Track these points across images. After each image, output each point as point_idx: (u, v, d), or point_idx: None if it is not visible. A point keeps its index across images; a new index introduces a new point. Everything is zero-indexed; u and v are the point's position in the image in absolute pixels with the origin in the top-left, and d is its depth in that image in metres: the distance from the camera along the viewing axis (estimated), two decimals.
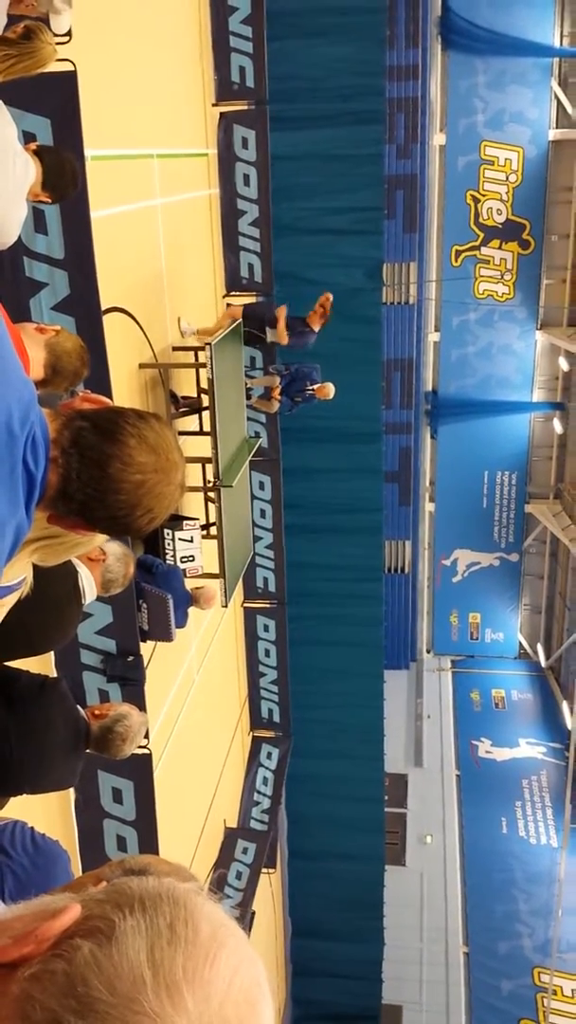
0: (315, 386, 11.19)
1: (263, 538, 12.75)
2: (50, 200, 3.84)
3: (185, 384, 9.42)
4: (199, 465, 9.06)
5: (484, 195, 19.60)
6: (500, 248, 19.90)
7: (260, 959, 0.85)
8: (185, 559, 8.59)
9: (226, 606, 9.75)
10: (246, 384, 10.93)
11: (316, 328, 10.47)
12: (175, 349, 9.38)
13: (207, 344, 8.65)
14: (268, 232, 11.60)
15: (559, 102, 19.14)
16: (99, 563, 3.58)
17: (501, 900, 17.50)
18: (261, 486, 12.58)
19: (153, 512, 1.77)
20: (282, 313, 10.43)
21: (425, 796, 19.94)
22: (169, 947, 0.77)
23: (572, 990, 16.11)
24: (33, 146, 3.78)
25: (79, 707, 3.84)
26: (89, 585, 3.52)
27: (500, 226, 19.79)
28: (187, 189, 10.24)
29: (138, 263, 8.57)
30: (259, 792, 13.37)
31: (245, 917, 11.35)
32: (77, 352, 3.21)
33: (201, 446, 9.12)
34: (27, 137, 5.15)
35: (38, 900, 0.94)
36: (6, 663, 3.59)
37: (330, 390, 11.10)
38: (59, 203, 4.05)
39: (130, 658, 6.58)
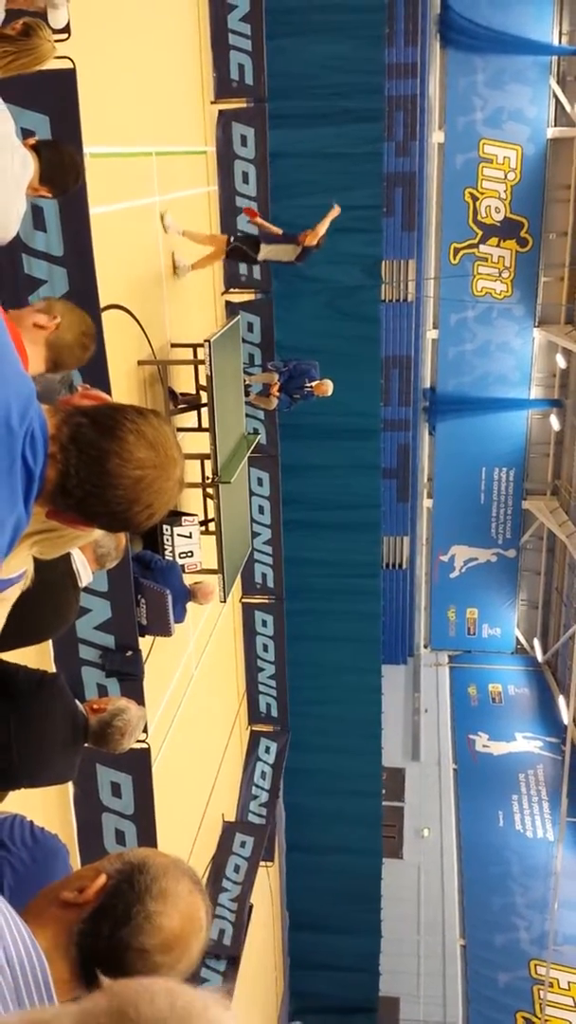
0: (313, 383, 11.23)
1: (261, 534, 12.78)
2: (50, 194, 3.84)
3: (184, 381, 9.45)
4: (198, 461, 9.10)
5: (482, 193, 19.60)
6: (498, 246, 19.90)
7: None
8: (184, 555, 8.62)
9: (224, 601, 9.78)
10: (245, 381, 10.95)
11: (314, 246, 10.04)
12: (174, 346, 9.41)
13: (206, 341, 8.69)
14: None
15: (558, 100, 19.12)
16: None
17: (498, 893, 17.54)
18: (260, 482, 12.61)
19: (152, 508, 1.78)
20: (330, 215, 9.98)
21: (422, 790, 19.98)
22: None
23: (568, 982, 16.16)
24: (32, 141, 3.79)
25: (77, 702, 3.86)
26: (83, 566, 3.51)
27: (498, 224, 19.78)
28: (186, 186, 10.26)
29: (137, 260, 8.59)
30: (257, 786, 13.41)
31: (243, 910, 11.40)
32: (79, 342, 3.14)
33: (200, 442, 9.15)
34: (26, 134, 5.17)
35: (31, 1014, 0.86)
36: (4, 658, 3.61)
37: (328, 387, 11.14)
38: (60, 197, 4.03)
39: (129, 653, 6.61)
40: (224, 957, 10.82)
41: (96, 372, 5.62)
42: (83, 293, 5.71)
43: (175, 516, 8.65)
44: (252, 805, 13.21)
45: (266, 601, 13.27)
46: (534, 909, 17.04)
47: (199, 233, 9.85)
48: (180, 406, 9.28)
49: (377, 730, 14.89)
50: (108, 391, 5.59)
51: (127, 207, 8.24)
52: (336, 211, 10.00)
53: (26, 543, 1.98)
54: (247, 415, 11.14)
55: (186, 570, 8.53)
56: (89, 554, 3.53)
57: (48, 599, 3.34)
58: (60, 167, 3.72)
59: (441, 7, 18.34)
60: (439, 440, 21.40)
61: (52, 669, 6.15)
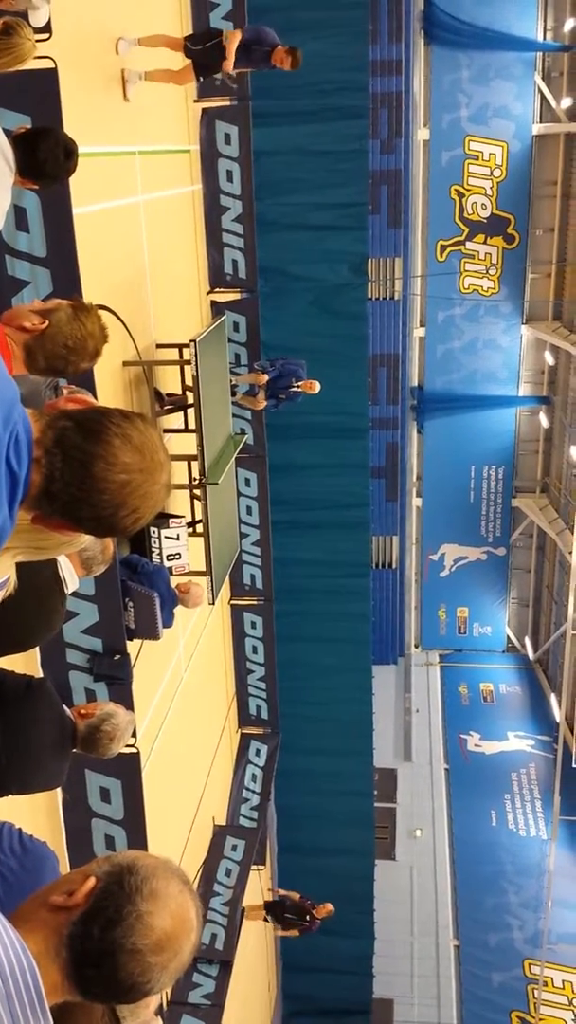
0: (300, 383, 11.20)
1: (249, 535, 12.74)
2: (36, 186, 3.78)
3: (169, 381, 9.40)
4: (184, 463, 9.06)
5: (468, 190, 19.63)
6: (485, 243, 19.94)
7: None
8: (171, 557, 8.58)
9: (213, 603, 9.74)
10: (231, 381, 10.91)
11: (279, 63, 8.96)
12: (159, 347, 9.36)
13: (192, 341, 8.64)
14: (252, 228, 11.57)
15: (543, 96, 19.17)
16: None
17: (491, 893, 17.57)
18: (247, 483, 12.57)
19: (138, 512, 1.76)
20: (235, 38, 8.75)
21: (414, 790, 19.99)
22: None
23: (563, 981, 16.20)
24: (20, 129, 3.74)
25: (65, 707, 3.82)
26: (69, 572, 3.46)
27: (485, 221, 19.82)
28: (170, 186, 10.21)
29: (121, 260, 8.54)
30: (248, 789, 13.37)
31: (235, 914, 11.36)
32: (58, 353, 2.99)
33: (186, 443, 9.11)
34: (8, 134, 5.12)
35: None
36: None
37: (316, 386, 11.12)
38: (51, 185, 3.94)
39: (116, 657, 6.57)
40: (217, 961, 10.77)
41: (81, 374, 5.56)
42: (67, 294, 5.65)
43: (162, 518, 8.61)
44: (243, 808, 13.17)
45: (255, 602, 13.23)
46: (528, 908, 17.08)
47: (156, 36, 8.61)
48: (166, 407, 9.23)
49: (368, 731, 14.88)
50: (93, 393, 5.54)
51: (110, 207, 8.18)
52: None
53: (8, 554, 1.94)
54: (234, 415, 11.10)
55: (174, 572, 8.49)
56: (76, 560, 3.48)
57: (34, 606, 3.30)
58: (34, 160, 3.65)
59: (425, 4, 18.38)
60: (427, 438, 21.43)
61: (39, 674, 6.10)
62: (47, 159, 3.66)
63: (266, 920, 13.30)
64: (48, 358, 3.00)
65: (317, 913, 13.14)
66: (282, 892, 13.87)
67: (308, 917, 13.20)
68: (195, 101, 10.97)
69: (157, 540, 8.56)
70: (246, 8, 10.80)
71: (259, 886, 13.59)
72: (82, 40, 7.26)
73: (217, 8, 10.75)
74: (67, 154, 3.75)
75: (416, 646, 23.50)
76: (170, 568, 8.42)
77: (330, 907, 13.14)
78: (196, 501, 9.34)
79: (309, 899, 13.38)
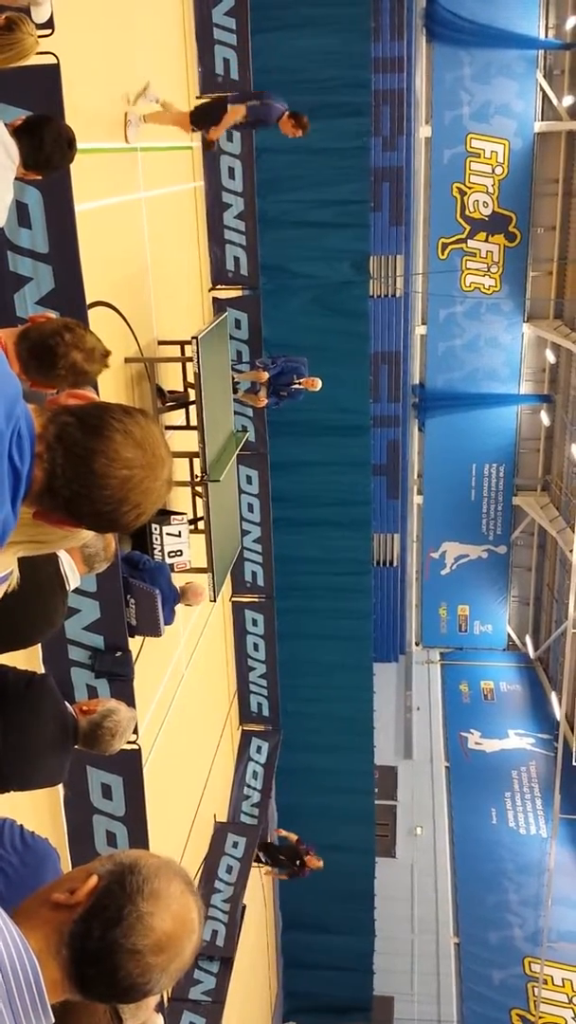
0: (302, 380, 11.19)
1: (251, 532, 12.75)
2: (39, 177, 3.80)
3: (171, 378, 9.40)
4: (186, 460, 9.06)
5: (470, 188, 19.59)
6: (486, 241, 19.91)
7: None
8: (173, 554, 8.58)
9: (214, 600, 9.74)
10: (233, 378, 10.91)
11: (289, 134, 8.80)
12: (161, 343, 9.36)
13: (194, 338, 8.64)
14: (254, 225, 11.58)
15: (544, 94, 19.13)
16: None
17: (491, 890, 17.57)
18: (249, 480, 12.57)
19: (140, 508, 1.76)
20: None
21: (415, 788, 19.99)
22: None
23: (563, 979, 16.19)
24: (17, 122, 3.75)
25: (67, 703, 3.82)
26: (71, 569, 3.46)
27: (486, 219, 19.79)
28: (172, 182, 10.21)
29: (123, 257, 8.54)
30: (249, 786, 13.38)
31: (236, 911, 11.37)
32: (56, 329, 3.06)
33: (188, 440, 9.11)
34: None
35: None
36: None
37: (317, 383, 11.12)
38: (57, 171, 3.96)
39: (118, 653, 6.57)
40: (217, 958, 10.79)
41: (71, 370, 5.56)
42: (69, 290, 5.66)
43: (164, 515, 8.61)
44: (244, 805, 13.18)
45: (256, 600, 13.24)
46: (528, 906, 17.07)
47: (173, 108, 8.87)
48: (168, 404, 9.24)
49: (369, 728, 14.88)
50: (95, 390, 5.54)
51: (112, 203, 8.18)
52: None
53: (11, 551, 1.94)
54: (235, 412, 11.10)
55: (175, 569, 8.49)
56: (77, 557, 3.48)
57: (36, 603, 3.30)
58: (42, 154, 3.67)
59: (427, 1, 18.32)
60: (429, 436, 21.41)
61: (41, 670, 6.10)
62: (53, 152, 3.70)
63: (259, 861, 13.24)
64: (42, 334, 3.02)
65: (308, 862, 13.08)
66: (282, 833, 13.84)
67: (299, 863, 13.14)
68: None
69: (159, 537, 8.57)
70: (248, 3, 10.79)
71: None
72: (85, 37, 7.25)
73: (220, 4, 10.74)
74: (69, 144, 3.79)
75: (417, 644, 23.48)
76: (171, 565, 8.43)
77: (319, 863, 13.11)
78: (198, 498, 9.35)
79: (305, 845, 13.33)
